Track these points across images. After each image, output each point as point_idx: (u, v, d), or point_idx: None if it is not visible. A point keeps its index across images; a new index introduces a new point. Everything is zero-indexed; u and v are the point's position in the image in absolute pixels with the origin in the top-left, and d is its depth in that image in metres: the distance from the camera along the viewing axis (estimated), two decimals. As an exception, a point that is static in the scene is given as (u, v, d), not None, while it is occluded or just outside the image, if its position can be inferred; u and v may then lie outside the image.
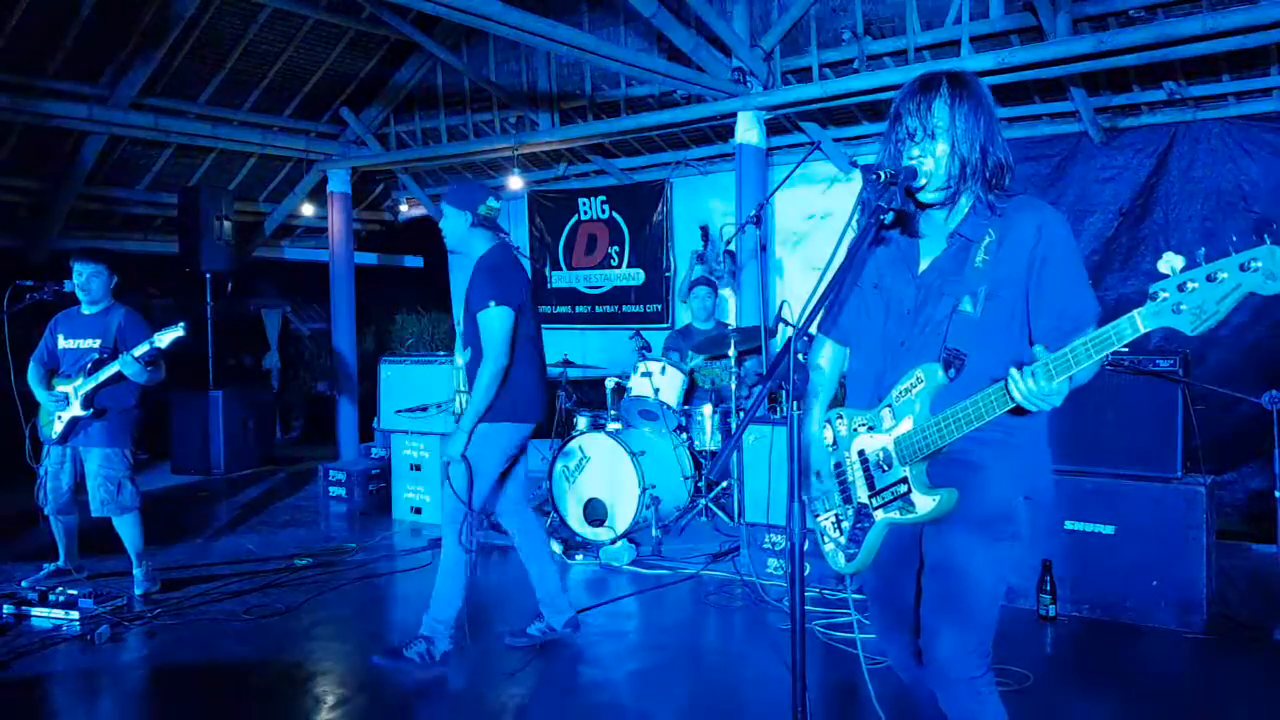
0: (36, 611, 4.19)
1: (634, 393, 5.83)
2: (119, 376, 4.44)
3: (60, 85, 7.03)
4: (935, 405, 1.98)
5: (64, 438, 4.55)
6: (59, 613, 4.16)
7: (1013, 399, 1.82)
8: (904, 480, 2.03)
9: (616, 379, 6.16)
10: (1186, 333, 1.62)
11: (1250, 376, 5.66)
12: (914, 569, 2.17)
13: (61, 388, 4.52)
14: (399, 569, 5.09)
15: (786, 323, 5.29)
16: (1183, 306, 1.61)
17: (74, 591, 4.26)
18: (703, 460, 5.99)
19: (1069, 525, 4.05)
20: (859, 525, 2.14)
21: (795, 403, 1.92)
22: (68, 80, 7.04)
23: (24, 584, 4.58)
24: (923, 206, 2.06)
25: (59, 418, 4.52)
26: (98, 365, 4.47)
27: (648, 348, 6.21)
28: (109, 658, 3.82)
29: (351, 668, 3.74)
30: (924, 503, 2.00)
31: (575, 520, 5.54)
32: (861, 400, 2.17)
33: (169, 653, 3.91)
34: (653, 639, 4.09)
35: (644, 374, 5.81)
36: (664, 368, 5.80)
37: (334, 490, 7.02)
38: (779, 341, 5.74)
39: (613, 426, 5.67)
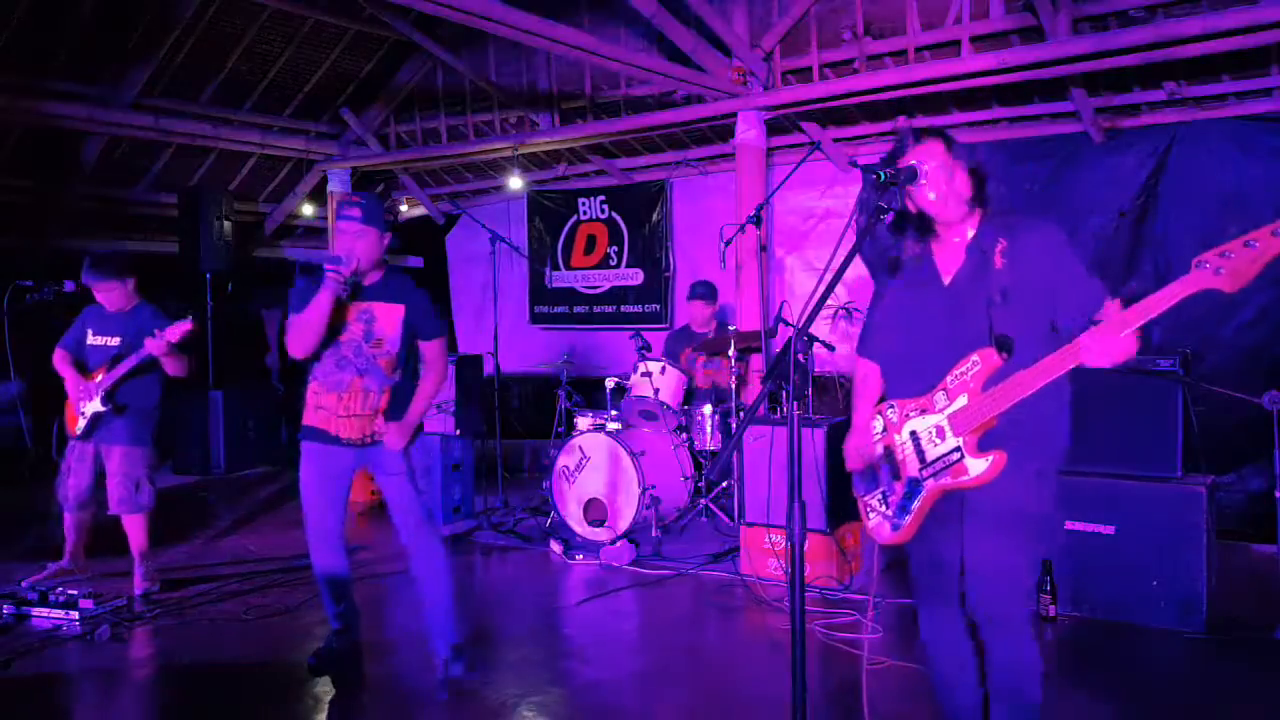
0: (36, 611, 4.20)
1: (634, 393, 5.83)
2: (140, 371, 4.49)
3: (60, 85, 7.02)
4: (988, 384, 2.27)
5: (86, 433, 4.58)
6: (59, 613, 4.16)
7: (1079, 356, 2.14)
8: (957, 449, 2.30)
9: (616, 379, 6.16)
10: (1227, 290, 1.99)
11: (1250, 377, 5.66)
12: (958, 541, 2.39)
13: (93, 378, 4.58)
14: (400, 569, 5.09)
15: (787, 323, 5.30)
16: (1222, 270, 1.98)
17: (74, 591, 4.27)
18: (703, 460, 5.98)
19: (1069, 525, 4.05)
20: (909, 497, 2.41)
21: (795, 403, 1.93)
22: (68, 80, 7.03)
23: (23, 584, 4.59)
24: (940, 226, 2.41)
25: (82, 414, 4.56)
26: (115, 361, 4.51)
27: (648, 348, 6.20)
28: (109, 658, 3.82)
29: (352, 668, 3.73)
30: (977, 465, 2.28)
31: (575, 520, 5.54)
32: (908, 394, 2.45)
33: (169, 653, 3.91)
34: (653, 639, 4.09)
35: (644, 374, 5.81)
36: (664, 367, 5.80)
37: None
38: (778, 342, 5.74)
39: (613, 426, 5.67)
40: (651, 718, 3.27)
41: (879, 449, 2.49)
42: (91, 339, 4.63)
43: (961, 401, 2.30)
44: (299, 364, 3.57)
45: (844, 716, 3.24)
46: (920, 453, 2.38)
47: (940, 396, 2.35)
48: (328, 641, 3.68)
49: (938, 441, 2.34)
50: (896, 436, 2.44)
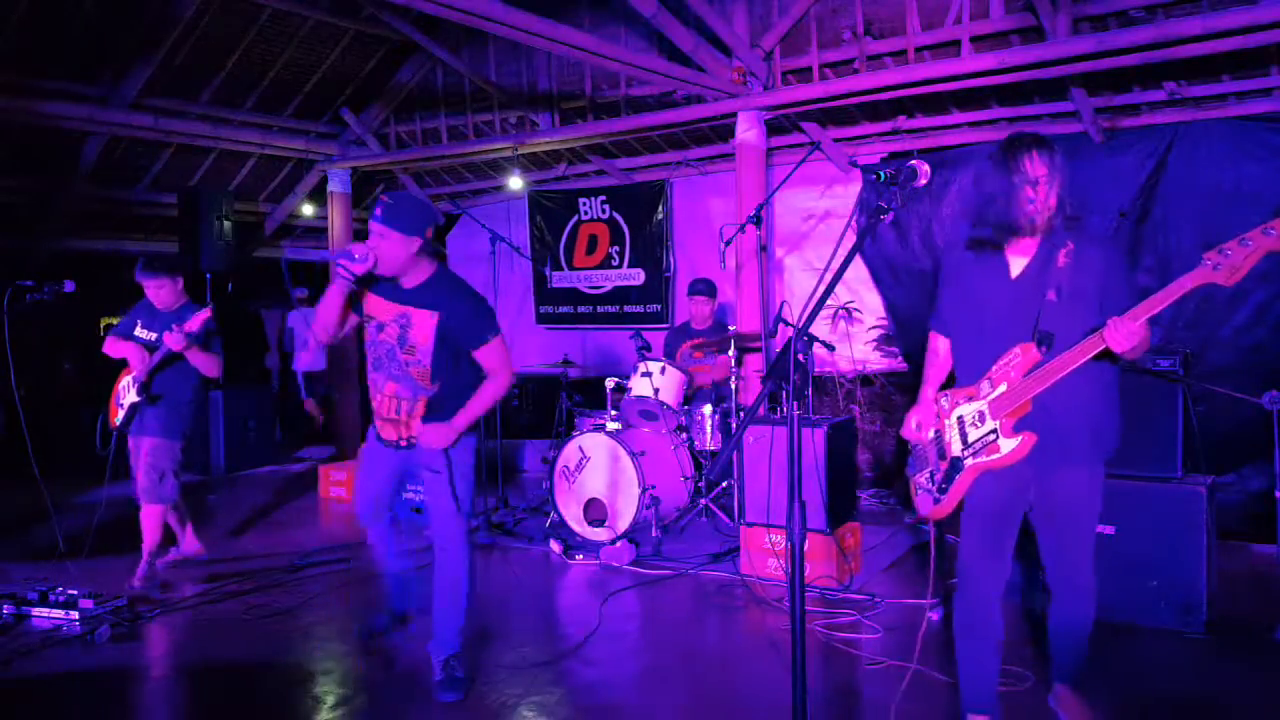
0: (36, 611, 4.20)
1: (634, 393, 5.83)
2: (170, 362, 4.64)
3: (60, 85, 7.03)
4: (1028, 375, 2.52)
5: (125, 424, 4.76)
6: (59, 613, 4.16)
7: (1104, 340, 2.39)
8: (994, 430, 2.57)
9: (617, 379, 6.16)
10: (1223, 284, 2.28)
11: (1250, 376, 5.65)
12: (1016, 521, 2.69)
13: (128, 373, 4.77)
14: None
15: (786, 323, 5.29)
16: (1220, 265, 2.25)
17: (74, 591, 4.27)
18: (703, 460, 5.98)
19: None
20: (950, 475, 2.67)
21: (795, 403, 1.93)
22: (68, 80, 7.03)
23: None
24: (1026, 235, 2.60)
25: (121, 405, 4.76)
26: (151, 354, 4.69)
27: (648, 348, 6.20)
28: (109, 658, 3.82)
29: (351, 668, 3.74)
30: (1008, 444, 2.54)
31: (575, 520, 5.54)
32: (968, 382, 2.70)
33: (169, 653, 3.91)
34: (653, 639, 4.09)
35: (644, 374, 5.81)
36: (664, 368, 5.80)
37: (334, 490, 7.03)
38: (778, 342, 5.74)
39: (613, 426, 5.67)
40: (651, 718, 3.27)
41: (930, 433, 2.76)
42: (138, 332, 4.81)
43: (1002, 389, 2.56)
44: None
45: (844, 716, 3.24)
46: (964, 435, 2.65)
47: (986, 385, 2.61)
48: (376, 621, 3.93)
49: (979, 425, 2.61)
50: (946, 421, 2.71)
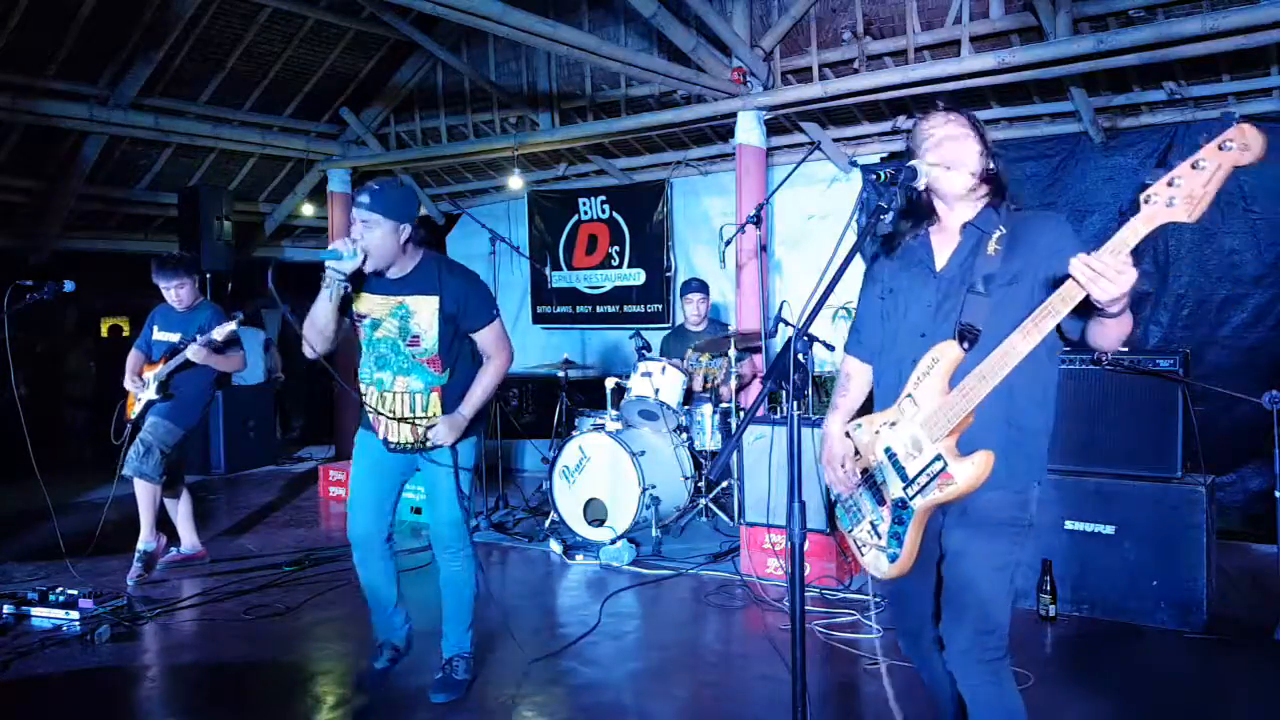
0: (36, 611, 4.20)
1: (634, 393, 5.83)
2: (189, 364, 4.78)
3: (60, 85, 7.03)
4: (954, 380, 2.07)
5: (141, 417, 4.91)
6: (59, 613, 4.16)
7: (1079, 284, 1.84)
8: (939, 457, 2.08)
9: (617, 379, 6.16)
10: (1185, 220, 1.76)
11: (1250, 376, 5.66)
12: (935, 564, 2.25)
13: (147, 373, 4.91)
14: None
15: (786, 323, 5.29)
16: (1175, 199, 1.75)
17: (74, 591, 4.27)
18: (703, 460, 5.98)
19: (1069, 525, 4.05)
20: (897, 521, 2.18)
21: (795, 403, 1.93)
22: (68, 80, 7.03)
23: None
24: (939, 200, 2.22)
25: (139, 400, 4.91)
26: (171, 355, 4.81)
27: (647, 348, 6.20)
28: (109, 658, 3.82)
29: (351, 668, 3.73)
30: (963, 470, 2.03)
31: (575, 520, 5.54)
32: (888, 403, 2.23)
33: (169, 653, 3.91)
34: (653, 639, 4.08)
35: (644, 374, 5.80)
36: (664, 368, 5.80)
37: (334, 490, 7.02)
38: (778, 342, 5.74)
39: (612, 426, 5.67)
40: (651, 717, 3.27)
41: (856, 475, 2.29)
42: (156, 334, 4.97)
43: (932, 404, 2.09)
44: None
45: (844, 716, 3.24)
46: (900, 470, 2.15)
47: (908, 404, 2.14)
48: (376, 662, 3.51)
49: (916, 454, 2.12)
50: (872, 457, 2.23)
